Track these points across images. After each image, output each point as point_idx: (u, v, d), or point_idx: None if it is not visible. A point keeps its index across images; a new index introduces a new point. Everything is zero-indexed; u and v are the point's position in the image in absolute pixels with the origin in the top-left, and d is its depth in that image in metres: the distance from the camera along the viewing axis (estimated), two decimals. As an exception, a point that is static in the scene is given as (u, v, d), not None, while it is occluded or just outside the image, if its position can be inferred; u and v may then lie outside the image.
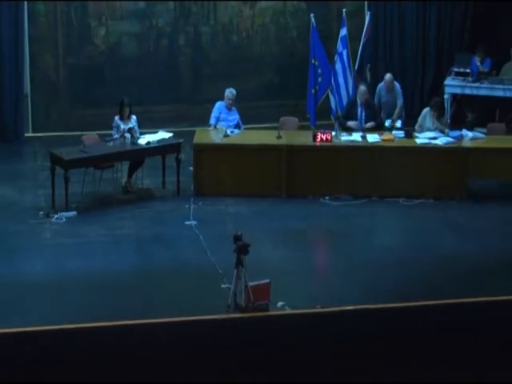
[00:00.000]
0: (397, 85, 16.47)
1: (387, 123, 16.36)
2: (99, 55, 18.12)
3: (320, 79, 16.48)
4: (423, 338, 12.42)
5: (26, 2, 17.63)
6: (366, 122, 16.56)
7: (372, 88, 16.95)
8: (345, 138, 16.10)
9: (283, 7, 18.47)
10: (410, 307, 12.52)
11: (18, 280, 13.05)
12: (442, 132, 16.24)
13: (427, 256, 13.88)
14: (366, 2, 18.53)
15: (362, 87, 16.52)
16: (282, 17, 18.55)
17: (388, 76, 15.72)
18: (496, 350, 12.51)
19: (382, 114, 16.48)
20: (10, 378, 11.82)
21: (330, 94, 16.55)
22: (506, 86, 17.67)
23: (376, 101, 15.96)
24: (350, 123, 16.40)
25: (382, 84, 15.90)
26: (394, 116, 16.28)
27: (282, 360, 12.08)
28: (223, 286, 12.63)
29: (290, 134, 16.41)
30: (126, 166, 16.05)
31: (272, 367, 11.98)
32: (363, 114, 16.54)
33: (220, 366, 12.10)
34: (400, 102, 15.96)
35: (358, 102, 16.58)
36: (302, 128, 16.83)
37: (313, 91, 16.48)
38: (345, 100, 16.60)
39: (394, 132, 16.39)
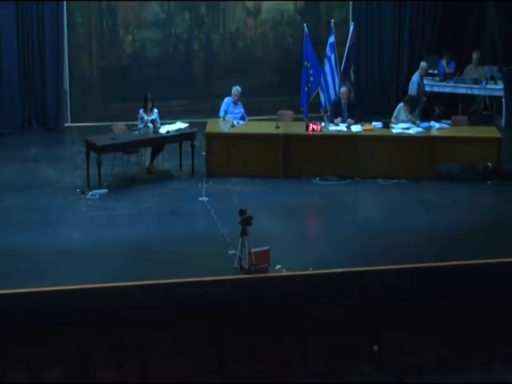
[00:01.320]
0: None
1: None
2: (126, 58, 17.83)
3: (312, 79, 16.24)
4: (402, 295, 12.23)
5: (65, 15, 17.27)
6: (347, 118, 16.00)
7: (357, 86, 16.44)
8: (332, 128, 15.73)
9: (281, 18, 18.26)
10: (389, 269, 12.29)
11: (58, 246, 12.80)
12: (414, 123, 15.84)
13: (401, 226, 13.65)
14: (350, 14, 18.22)
15: (343, 88, 16.13)
16: (279, 26, 18.29)
17: (423, 64, 15.09)
18: (466, 307, 12.41)
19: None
20: (52, 329, 11.67)
21: (320, 91, 16.31)
22: (467, 85, 17.42)
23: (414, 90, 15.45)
24: (336, 120, 15.92)
25: (416, 75, 15.23)
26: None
27: (278, 311, 12.04)
28: (230, 252, 12.35)
29: (287, 125, 16.00)
30: (148, 151, 15.70)
31: (270, 317, 12.01)
32: (345, 111, 16.02)
33: (228, 317, 12.07)
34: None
35: (342, 101, 16.11)
36: (296, 119, 16.49)
37: (306, 89, 16.26)
38: (332, 96, 16.35)
39: (373, 123, 15.99)
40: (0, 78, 16.87)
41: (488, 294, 12.48)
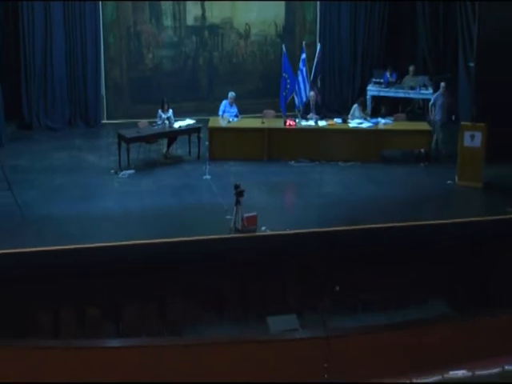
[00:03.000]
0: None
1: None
2: (148, 70, 17.55)
3: (288, 86, 16.01)
4: (357, 249, 12.18)
5: (102, 37, 17.06)
6: (315, 115, 15.85)
7: (322, 91, 16.39)
8: (304, 123, 15.61)
9: (265, 41, 18.00)
10: (347, 230, 12.28)
11: (97, 213, 12.73)
12: (366, 119, 15.69)
13: (356, 197, 13.56)
14: (317, 37, 18.00)
15: (312, 93, 15.98)
16: (264, 46, 18.04)
17: (443, 84, 15.05)
18: (404, 258, 12.42)
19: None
20: (93, 277, 11.64)
21: (294, 95, 16.07)
22: (405, 91, 17.27)
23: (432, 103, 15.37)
24: (307, 117, 15.79)
25: (438, 92, 15.19)
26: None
27: (264, 262, 12.05)
28: (227, 217, 12.18)
29: (270, 121, 15.90)
30: (165, 141, 15.51)
31: (257, 266, 12.06)
32: (313, 110, 15.92)
33: (225, 266, 12.05)
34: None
35: (311, 102, 16.02)
36: (277, 117, 16.27)
37: (284, 93, 16.01)
38: (304, 99, 16.09)
39: (334, 119, 15.82)
40: (52, 85, 16.66)
41: (420, 247, 12.43)
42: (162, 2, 17.08)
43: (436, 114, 15.15)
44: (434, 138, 15.12)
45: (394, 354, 9.71)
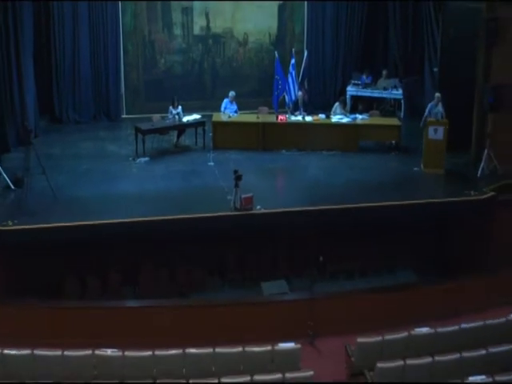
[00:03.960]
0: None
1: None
2: (161, 73, 17.22)
3: (280, 87, 15.81)
4: (338, 225, 12.18)
5: (122, 44, 16.74)
6: (303, 112, 15.46)
7: (309, 91, 16.32)
8: (293, 118, 15.36)
9: (261, 48, 17.67)
10: (330, 208, 12.08)
11: (117, 194, 12.55)
12: (345, 115, 15.44)
13: (337, 180, 13.33)
14: (305, 45, 17.64)
15: (300, 93, 15.70)
16: (259, 53, 17.69)
17: (438, 94, 14.04)
18: (380, 232, 12.46)
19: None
20: (113, 247, 11.67)
21: (285, 95, 15.85)
22: (379, 91, 17.03)
23: (427, 112, 14.01)
24: (296, 113, 15.44)
25: (432, 103, 13.98)
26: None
27: (259, 236, 12.04)
28: (228, 197, 12.01)
29: (264, 116, 15.62)
30: (175, 133, 15.22)
31: (253, 239, 12.09)
32: (301, 107, 15.58)
33: (226, 239, 12.08)
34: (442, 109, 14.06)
35: (299, 101, 15.69)
36: (270, 113, 15.92)
37: (276, 93, 15.79)
38: (293, 98, 15.87)
39: (319, 115, 15.52)
40: (79, 85, 16.42)
41: (391, 224, 12.43)
42: (173, 15, 16.85)
43: None
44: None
45: (369, 314, 9.70)
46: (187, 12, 17.00)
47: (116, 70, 16.68)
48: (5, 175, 12.57)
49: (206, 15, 17.04)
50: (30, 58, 14.99)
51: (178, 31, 17.02)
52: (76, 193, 12.44)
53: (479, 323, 8.51)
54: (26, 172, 12.28)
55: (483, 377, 7.22)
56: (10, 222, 11.05)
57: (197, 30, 17.13)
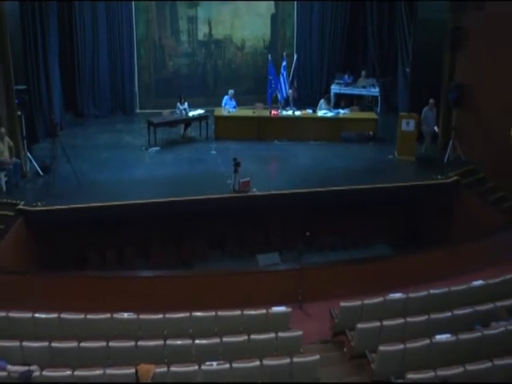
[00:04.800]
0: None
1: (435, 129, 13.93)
2: (170, 74, 17.13)
3: (272, 85, 15.77)
4: (325, 204, 12.14)
5: (135, 49, 16.64)
6: (293, 107, 15.38)
7: (298, 89, 16.35)
8: (284, 113, 15.26)
9: (256, 52, 17.57)
10: (317, 191, 12.07)
11: (131, 179, 12.52)
12: (330, 110, 15.37)
13: (323, 166, 13.33)
14: (294, 49, 17.47)
15: (290, 91, 15.68)
16: (255, 56, 17.57)
17: (431, 101, 13.56)
18: (360, 211, 12.49)
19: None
20: (127, 225, 11.62)
21: (277, 92, 15.79)
22: (359, 89, 16.91)
23: (422, 116, 13.64)
24: (287, 108, 15.35)
25: (426, 108, 13.55)
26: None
27: (254, 214, 12.05)
28: (228, 181, 11.99)
29: (259, 111, 15.58)
30: (182, 125, 15.14)
31: (249, 217, 12.09)
32: (291, 104, 15.53)
33: (226, 217, 12.04)
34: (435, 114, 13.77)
35: (289, 97, 15.66)
36: (264, 108, 15.86)
37: (269, 91, 15.77)
38: (284, 95, 15.79)
39: (307, 110, 15.46)
40: (98, 84, 16.34)
41: (370, 204, 12.38)
42: (180, 23, 16.71)
43: (427, 126, 13.70)
44: (424, 144, 13.83)
45: (350, 282, 9.66)
46: (192, 21, 16.87)
47: (130, 71, 16.55)
48: (34, 163, 12.56)
49: (209, 23, 16.93)
50: (56, 60, 14.89)
51: (184, 37, 16.89)
52: (96, 178, 12.42)
53: (445, 289, 8.48)
54: (52, 160, 12.31)
55: (448, 335, 7.20)
56: (39, 204, 11.05)
57: (201, 36, 17.01)
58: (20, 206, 10.93)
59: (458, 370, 6.50)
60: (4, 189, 11.56)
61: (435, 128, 13.40)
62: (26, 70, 13.35)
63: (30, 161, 12.52)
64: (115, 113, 16.66)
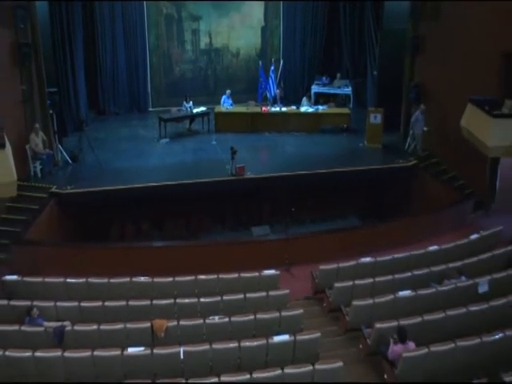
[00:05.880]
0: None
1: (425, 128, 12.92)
2: (177, 77, 16.71)
3: (263, 86, 15.46)
4: (306, 186, 12.05)
5: (148, 57, 16.22)
6: (280, 104, 15.10)
7: (284, 89, 16.12)
8: (273, 109, 15.03)
9: (249, 58, 17.16)
10: (300, 174, 11.99)
11: (147, 166, 12.37)
12: (311, 107, 15.16)
13: (305, 153, 13.12)
14: (281, 55, 17.04)
15: (277, 90, 15.38)
16: (248, 62, 17.13)
17: (422, 106, 12.74)
18: (335, 191, 12.39)
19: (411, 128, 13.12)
20: (143, 205, 11.49)
21: (267, 92, 15.50)
22: (334, 89, 16.52)
23: (413, 119, 12.90)
24: (275, 105, 15.09)
25: (418, 112, 12.74)
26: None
27: (249, 194, 11.86)
28: (227, 167, 11.85)
29: (252, 108, 15.28)
30: (188, 121, 14.85)
31: (245, 196, 11.93)
32: (279, 101, 15.22)
33: (225, 197, 11.90)
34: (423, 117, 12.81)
35: (277, 96, 15.33)
36: (256, 105, 15.48)
37: (260, 91, 15.51)
38: (272, 94, 15.45)
39: (291, 107, 15.22)
40: (117, 85, 15.97)
41: (344, 184, 12.28)
42: (185, 35, 16.36)
43: (416, 128, 12.99)
44: (413, 144, 13.16)
45: (328, 248, 9.64)
46: (195, 32, 16.57)
47: (144, 75, 16.24)
48: (64, 153, 12.41)
49: (209, 35, 16.62)
50: (82, 66, 14.60)
51: (188, 47, 16.56)
52: (117, 165, 12.28)
53: (406, 253, 8.49)
54: (80, 151, 12.30)
55: (409, 291, 7.22)
56: (68, 187, 10.99)
57: (202, 46, 16.68)
58: (53, 190, 10.91)
59: (417, 319, 6.56)
60: (39, 175, 11.50)
61: (424, 128, 12.99)
62: (57, 74, 13.13)
63: (61, 152, 12.36)
64: (132, 110, 16.38)
